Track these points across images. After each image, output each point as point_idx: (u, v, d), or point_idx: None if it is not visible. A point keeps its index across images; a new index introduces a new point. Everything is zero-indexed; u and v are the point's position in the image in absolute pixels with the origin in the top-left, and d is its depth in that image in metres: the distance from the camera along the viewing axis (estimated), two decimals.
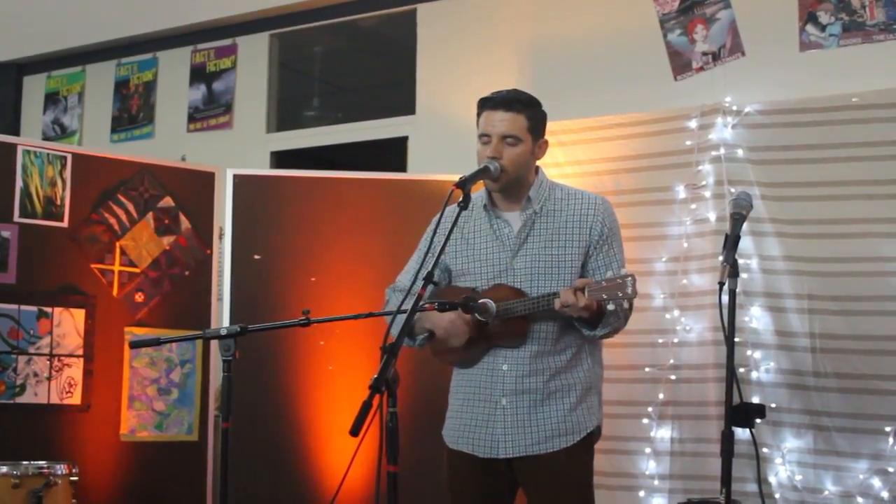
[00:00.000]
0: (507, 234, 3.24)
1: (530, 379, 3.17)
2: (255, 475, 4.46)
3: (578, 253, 3.20)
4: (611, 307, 3.04)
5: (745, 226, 3.05)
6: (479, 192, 3.29)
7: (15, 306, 4.30)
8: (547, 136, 3.31)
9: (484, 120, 3.21)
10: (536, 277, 3.18)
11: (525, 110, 3.19)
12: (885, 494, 3.93)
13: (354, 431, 2.41)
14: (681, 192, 4.42)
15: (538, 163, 3.32)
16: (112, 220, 4.57)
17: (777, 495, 4.10)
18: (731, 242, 2.90)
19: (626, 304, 3.08)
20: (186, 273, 4.71)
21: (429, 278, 2.80)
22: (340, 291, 4.55)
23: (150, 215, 4.65)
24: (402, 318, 2.79)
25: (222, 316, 4.64)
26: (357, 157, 6.59)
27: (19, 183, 4.37)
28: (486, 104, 3.23)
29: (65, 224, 4.45)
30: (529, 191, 3.24)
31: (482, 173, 3.13)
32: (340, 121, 6.53)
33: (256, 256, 4.65)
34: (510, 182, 3.19)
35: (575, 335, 3.21)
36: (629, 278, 2.91)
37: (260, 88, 6.36)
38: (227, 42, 6.48)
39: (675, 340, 4.35)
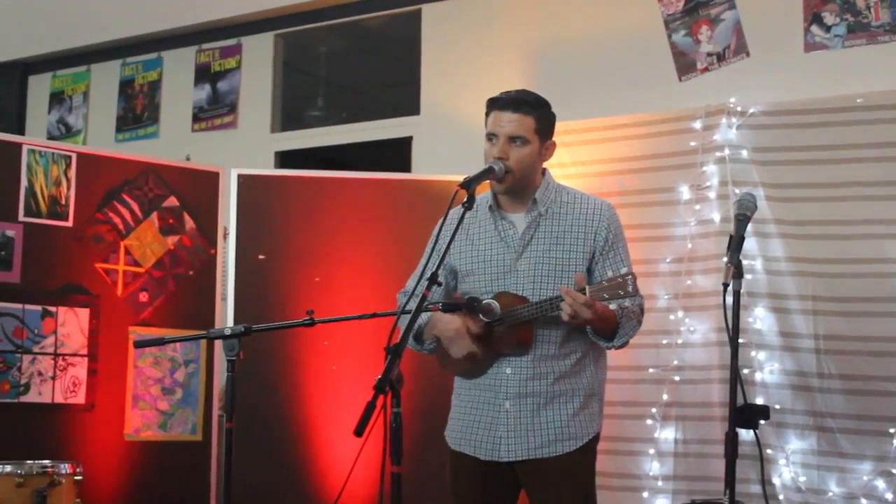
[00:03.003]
0: (512, 236, 3.24)
1: (534, 382, 3.17)
2: (259, 475, 4.46)
3: (583, 257, 3.20)
4: (612, 307, 3.05)
5: (749, 227, 3.05)
6: (484, 192, 3.29)
7: (19, 305, 4.31)
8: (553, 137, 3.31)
9: (492, 120, 3.20)
10: (540, 280, 3.17)
11: (533, 111, 3.18)
12: (889, 496, 3.92)
13: (358, 432, 2.41)
14: (685, 192, 4.41)
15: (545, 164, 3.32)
16: (116, 220, 4.57)
17: (781, 497, 4.10)
18: (736, 243, 2.90)
19: (627, 302, 3.09)
20: (191, 273, 4.71)
21: (433, 279, 2.80)
22: (344, 291, 4.55)
23: (154, 215, 4.65)
24: (407, 318, 2.78)
25: (226, 316, 4.63)
26: (361, 157, 6.59)
27: (24, 182, 4.37)
28: (494, 104, 3.22)
29: (69, 223, 4.46)
30: (535, 193, 3.24)
31: (487, 173, 3.12)
32: (345, 121, 6.55)
33: (261, 256, 4.65)
34: (516, 183, 3.19)
35: (581, 340, 3.21)
36: (629, 276, 2.91)
37: (264, 88, 6.36)
38: (231, 42, 6.48)
39: (680, 341, 4.35)
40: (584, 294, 2.93)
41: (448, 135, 5.49)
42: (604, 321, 3.07)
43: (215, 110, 6.47)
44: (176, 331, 4.47)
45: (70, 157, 4.50)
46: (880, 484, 3.96)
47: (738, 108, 4.33)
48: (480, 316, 3.12)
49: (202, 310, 4.69)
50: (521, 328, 3.14)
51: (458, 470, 3.30)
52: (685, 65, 4.90)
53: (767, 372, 4.17)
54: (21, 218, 4.35)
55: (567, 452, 3.16)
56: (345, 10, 6.12)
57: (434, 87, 5.72)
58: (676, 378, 4.33)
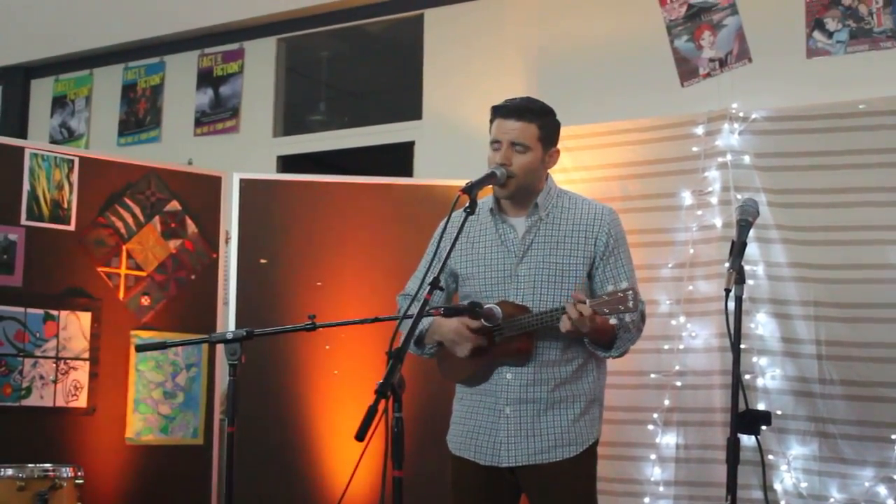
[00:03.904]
0: (512, 240, 3.24)
1: (534, 388, 3.17)
2: (260, 479, 4.46)
3: (583, 262, 3.19)
4: (613, 321, 3.04)
5: (751, 232, 3.04)
6: (487, 196, 3.29)
7: (21, 309, 4.31)
8: None
9: (496, 127, 3.20)
10: (540, 285, 3.17)
11: (537, 119, 3.18)
12: (890, 502, 3.92)
13: (360, 436, 2.41)
14: (687, 198, 4.41)
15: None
16: (119, 224, 4.57)
17: (782, 502, 4.09)
18: (738, 249, 2.90)
19: (627, 318, 3.08)
20: (192, 277, 4.72)
21: (434, 283, 2.80)
22: (346, 296, 4.55)
23: (156, 219, 4.66)
24: (409, 323, 2.79)
25: (228, 320, 4.64)
26: (363, 161, 6.60)
27: (26, 186, 4.38)
28: (498, 111, 3.22)
29: (71, 227, 4.46)
30: (537, 198, 3.24)
31: (489, 179, 3.12)
32: (347, 125, 6.54)
33: (262, 260, 4.65)
34: (519, 189, 3.19)
35: (582, 346, 3.20)
36: (629, 292, 2.90)
37: (267, 93, 6.37)
38: (234, 46, 6.49)
39: (681, 347, 4.34)
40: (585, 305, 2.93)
41: (450, 139, 5.50)
42: (601, 333, 3.07)
43: (217, 114, 6.48)
44: (177, 335, 4.48)
45: (72, 160, 4.51)
46: (882, 490, 3.95)
47: (741, 114, 4.33)
48: (483, 321, 3.11)
49: (204, 314, 4.70)
50: (521, 338, 3.13)
51: (458, 475, 3.30)
52: (687, 70, 4.91)
53: (769, 377, 4.17)
54: (23, 222, 4.36)
55: (567, 458, 3.15)
56: (347, 15, 6.13)
57: (436, 91, 5.72)
58: (678, 383, 4.33)
